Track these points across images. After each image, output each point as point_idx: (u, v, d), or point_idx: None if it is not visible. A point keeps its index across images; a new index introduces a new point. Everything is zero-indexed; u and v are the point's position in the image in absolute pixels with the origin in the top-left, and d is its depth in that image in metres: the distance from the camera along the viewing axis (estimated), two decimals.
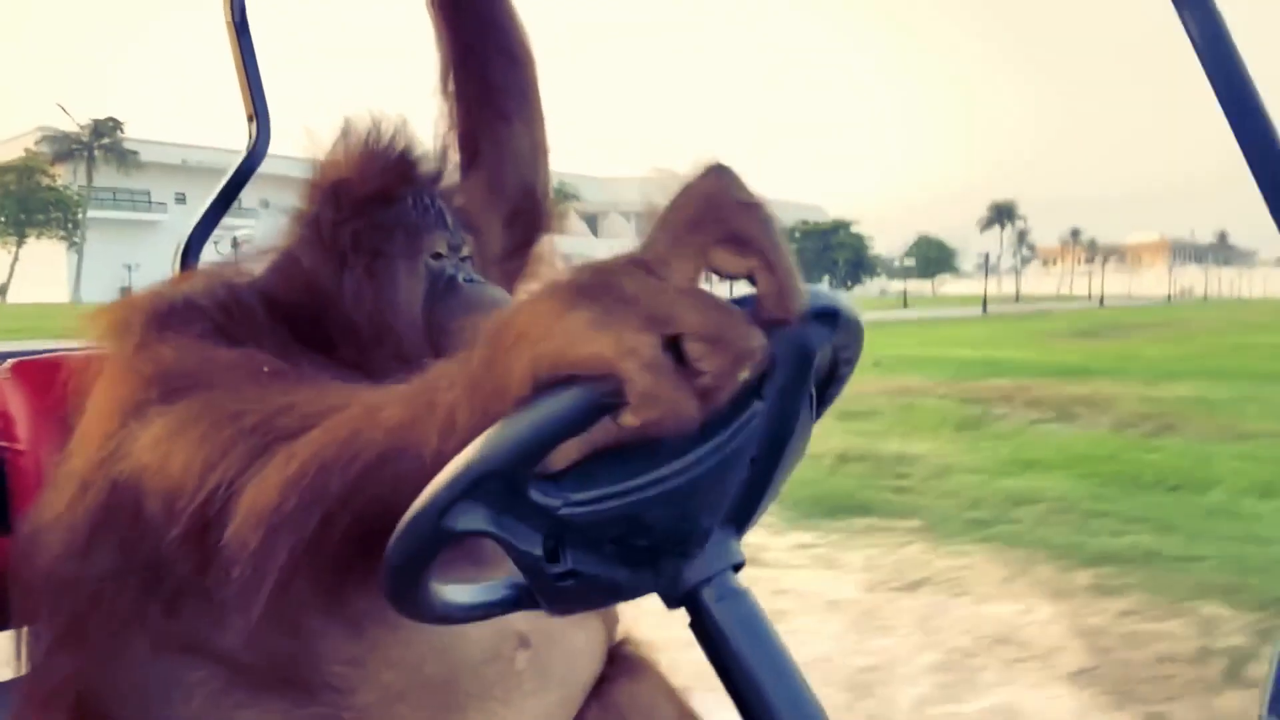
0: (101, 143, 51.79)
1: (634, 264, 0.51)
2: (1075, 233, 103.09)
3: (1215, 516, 5.25)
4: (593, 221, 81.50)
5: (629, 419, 0.49)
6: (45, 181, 49.29)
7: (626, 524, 0.55)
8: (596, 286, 0.51)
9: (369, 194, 1.02)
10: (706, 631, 0.59)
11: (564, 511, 0.53)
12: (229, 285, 0.99)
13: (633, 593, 0.59)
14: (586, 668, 1.05)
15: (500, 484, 0.52)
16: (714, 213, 0.52)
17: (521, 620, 0.95)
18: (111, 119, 51.99)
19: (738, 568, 0.60)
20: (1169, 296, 74.62)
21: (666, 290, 0.49)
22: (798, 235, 70.14)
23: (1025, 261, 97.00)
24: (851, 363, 0.61)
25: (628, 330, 0.48)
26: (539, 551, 0.55)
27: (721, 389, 0.49)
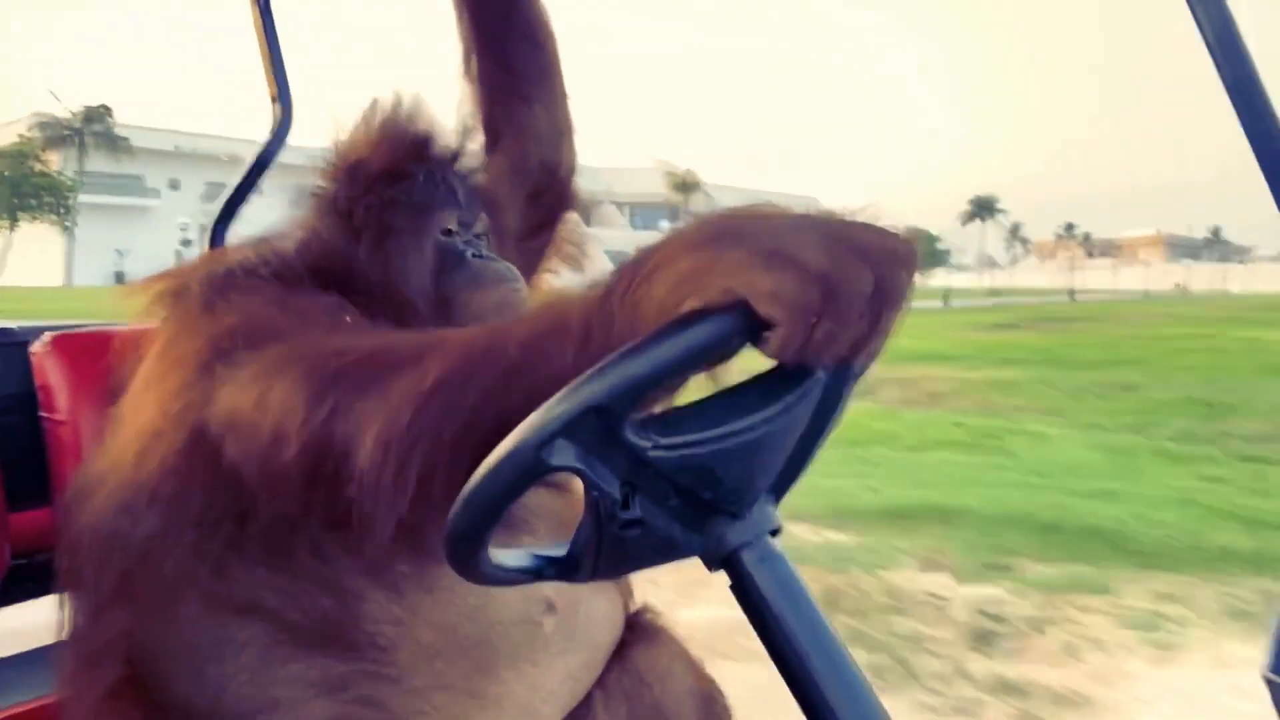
0: (93, 129, 51.53)
1: (783, 214, 0.56)
2: (1070, 227, 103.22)
3: (850, 461, 6.31)
4: (586, 211, 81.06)
5: (773, 347, 0.53)
6: (39, 167, 49.03)
7: (699, 474, 0.58)
8: (743, 227, 0.55)
9: (380, 171, 1.06)
10: (746, 593, 0.62)
11: (652, 454, 0.56)
12: (272, 256, 1.03)
13: (682, 551, 0.62)
14: (608, 633, 1.10)
15: (599, 421, 0.55)
16: (877, 253, 0.54)
17: (549, 586, 1.00)
18: (103, 106, 51.76)
19: (775, 533, 0.63)
20: (1146, 292, 74.98)
21: (814, 244, 0.53)
22: None
23: (1017, 257, 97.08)
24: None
25: (776, 267, 0.52)
26: (617, 495, 0.57)
27: (845, 339, 0.54)
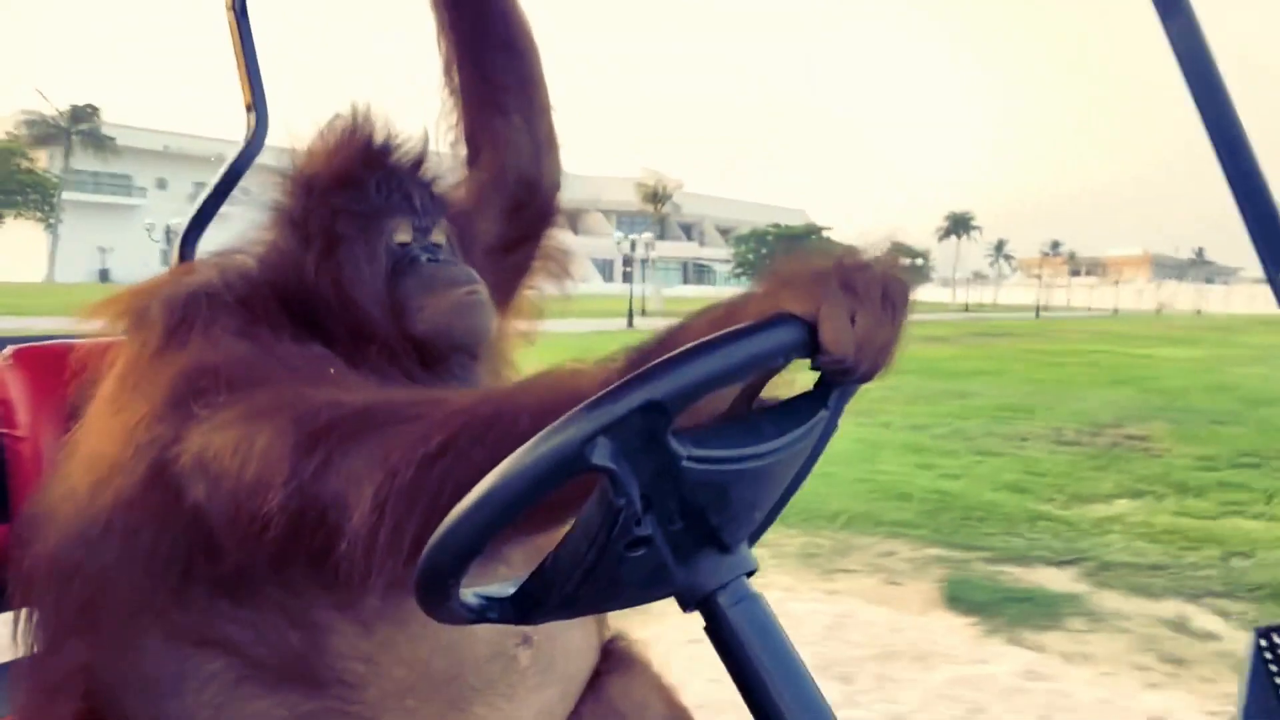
0: (79, 128, 51.36)
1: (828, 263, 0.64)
2: (1055, 245, 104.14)
3: None
4: (573, 219, 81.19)
5: (825, 351, 0.59)
6: (24, 164, 48.74)
7: (715, 494, 0.58)
8: (779, 271, 0.64)
9: (330, 180, 1.04)
10: (722, 634, 0.61)
11: (684, 464, 0.56)
12: (236, 273, 1.01)
13: (662, 588, 0.61)
14: (584, 663, 1.08)
15: (644, 421, 0.54)
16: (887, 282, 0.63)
17: None
18: (89, 105, 51.67)
19: (750, 574, 0.62)
20: (1115, 310, 76.08)
21: (858, 280, 0.61)
22: (770, 238, 70.59)
23: (1003, 273, 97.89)
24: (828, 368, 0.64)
25: (827, 293, 0.60)
26: (637, 505, 0.56)
27: (878, 338, 0.61)
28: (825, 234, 71.70)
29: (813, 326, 0.59)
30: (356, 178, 1.04)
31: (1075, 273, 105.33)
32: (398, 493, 0.70)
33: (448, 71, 1.32)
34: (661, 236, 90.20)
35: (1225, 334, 30.58)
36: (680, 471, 0.56)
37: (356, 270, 1.01)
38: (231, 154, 1.69)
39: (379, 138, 1.07)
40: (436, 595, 0.58)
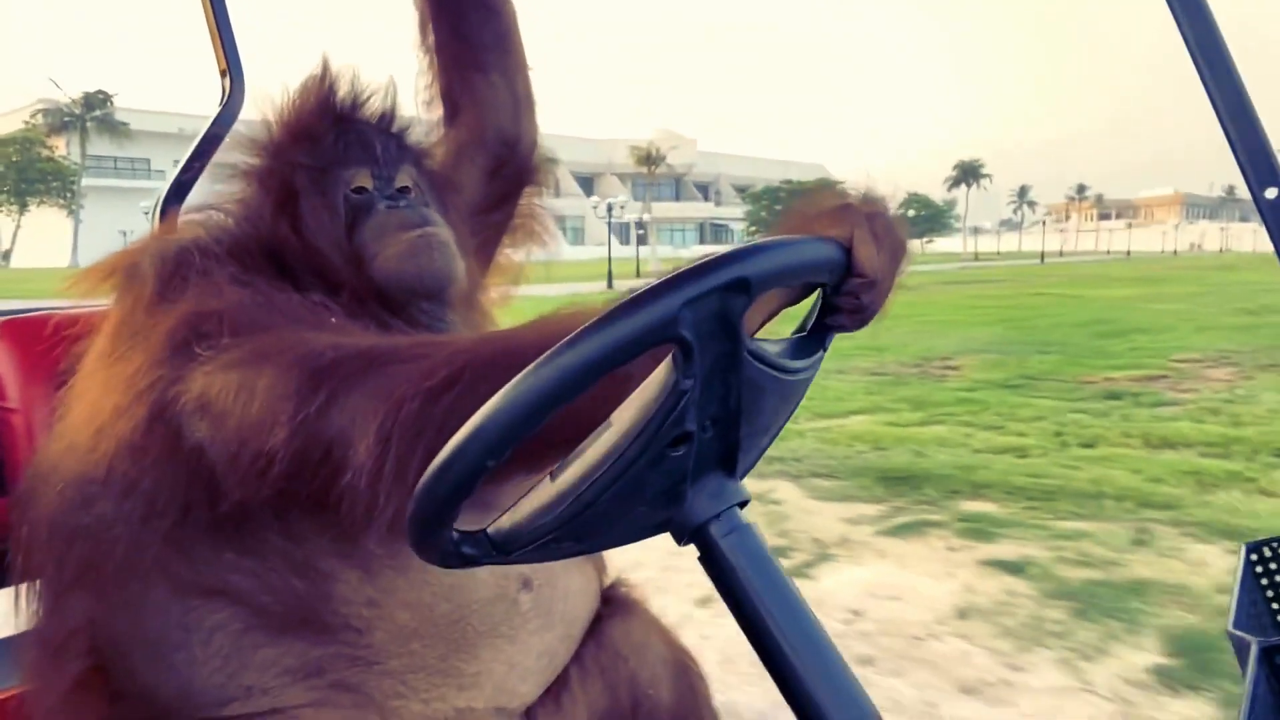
0: (93, 115, 51.78)
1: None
2: (1081, 189, 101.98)
3: None
4: (588, 182, 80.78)
5: (859, 271, 0.64)
6: (44, 153, 49.38)
7: (754, 400, 0.60)
8: (825, 201, 0.70)
9: (287, 136, 1.04)
10: (716, 564, 0.61)
11: (746, 356, 0.58)
12: (219, 231, 1.01)
13: (651, 528, 0.62)
14: (584, 607, 1.09)
15: (724, 302, 0.55)
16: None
17: None
18: (102, 92, 51.97)
19: (743, 504, 0.63)
20: (1129, 252, 74.68)
21: (876, 218, 0.67)
22: (783, 195, 69.78)
23: (1025, 220, 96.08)
24: (850, 295, 0.66)
25: (861, 226, 0.65)
26: (698, 393, 0.57)
27: (884, 299, 0.68)
28: (840, 187, 70.68)
29: (848, 250, 0.63)
30: (314, 132, 1.04)
31: (1105, 216, 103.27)
32: (402, 426, 0.70)
33: (423, 29, 1.30)
34: (677, 197, 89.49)
35: (1206, 272, 30.24)
36: (740, 364, 0.57)
37: (316, 222, 1.00)
38: (207, 122, 1.68)
39: (339, 91, 1.06)
40: (433, 526, 0.58)
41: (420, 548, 0.59)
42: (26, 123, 50.90)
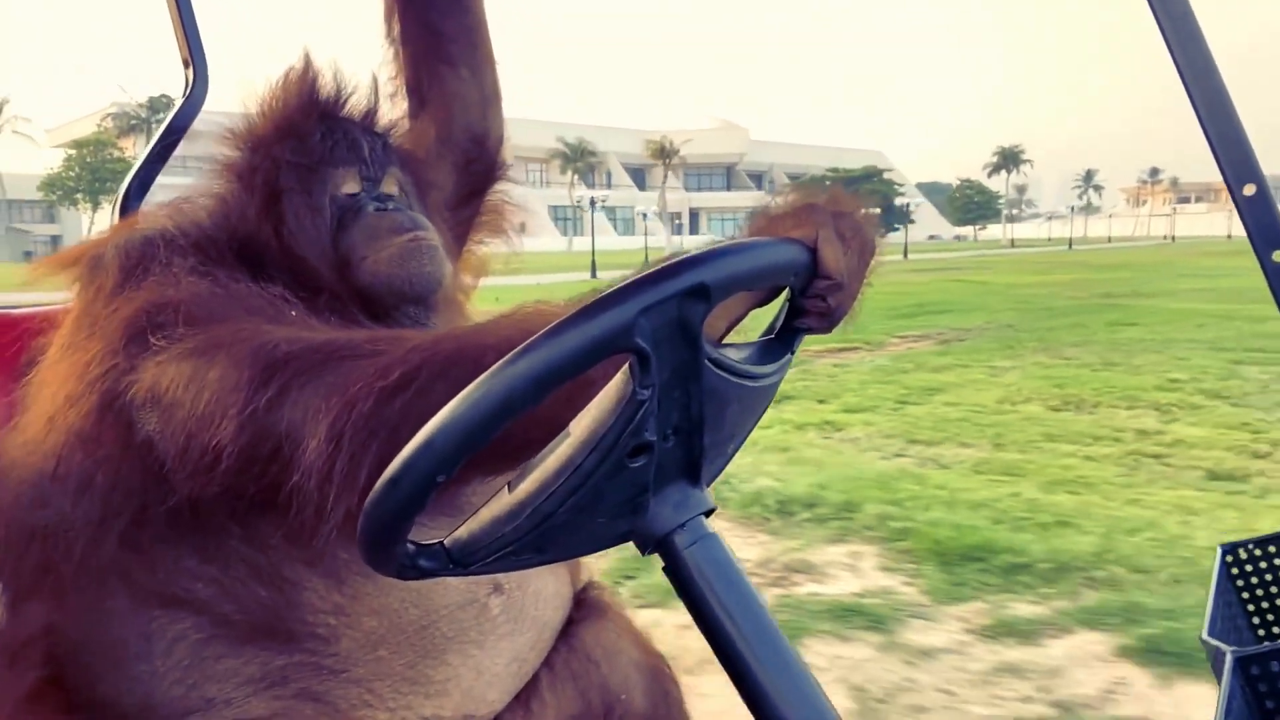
0: (157, 117, 54.36)
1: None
2: (1154, 172, 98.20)
3: None
4: (640, 174, 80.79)
5: (825, 273, 0.63)
6: (115, 154, 51.78)
7: (717, 408, 0.58)
8: (791, 202, 0.69)
9: (273, 132, 1.01)
10: (680, 574, 0.61)
11: (706, 363, 0.56)
12: (187, 223, 0.98)
13: (615, 538, 0.61)
14: (555, 611, 1.07)
15: (684, 308, 0.54)
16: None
17: None
18: (164, 95, 54.26)
19: (708, 513, 0.62)
20: (1172, 237, 71.92)
21: (844, 220, 0.67)
22: (828, 183, 68.75)
23: (1090, 204, 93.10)
24: (816, 297, 0.65)
25: (826, 227, 0.64)
26: (655, 403, 0.55)
27: (861, 270, 0.68)
28: (886, 175, 69.70)
29: (813, 252, 0.63)
30: (300, 129, 1.02)
31: (1185, 199, 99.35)
32: (355, 424, 0.68)
33: (389, 19, 1.28)
34: (728, 186, 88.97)
35: (1208, 259, 29.58)
36: (701, 372, 0.56)
37: (299, 222, 0.98)
38: (169, 113, 1.65)
39: (325, 88, 1.04)
40: (386, 540, 0.56)
41: (375, 561, 0.58)
42: (99, 126, 53.33)
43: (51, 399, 0.87)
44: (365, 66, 1.15)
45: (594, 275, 24.64)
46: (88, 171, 50.82)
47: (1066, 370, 7.44)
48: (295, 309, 0.88)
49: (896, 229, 71.92)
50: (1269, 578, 0.97)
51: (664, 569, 0.61)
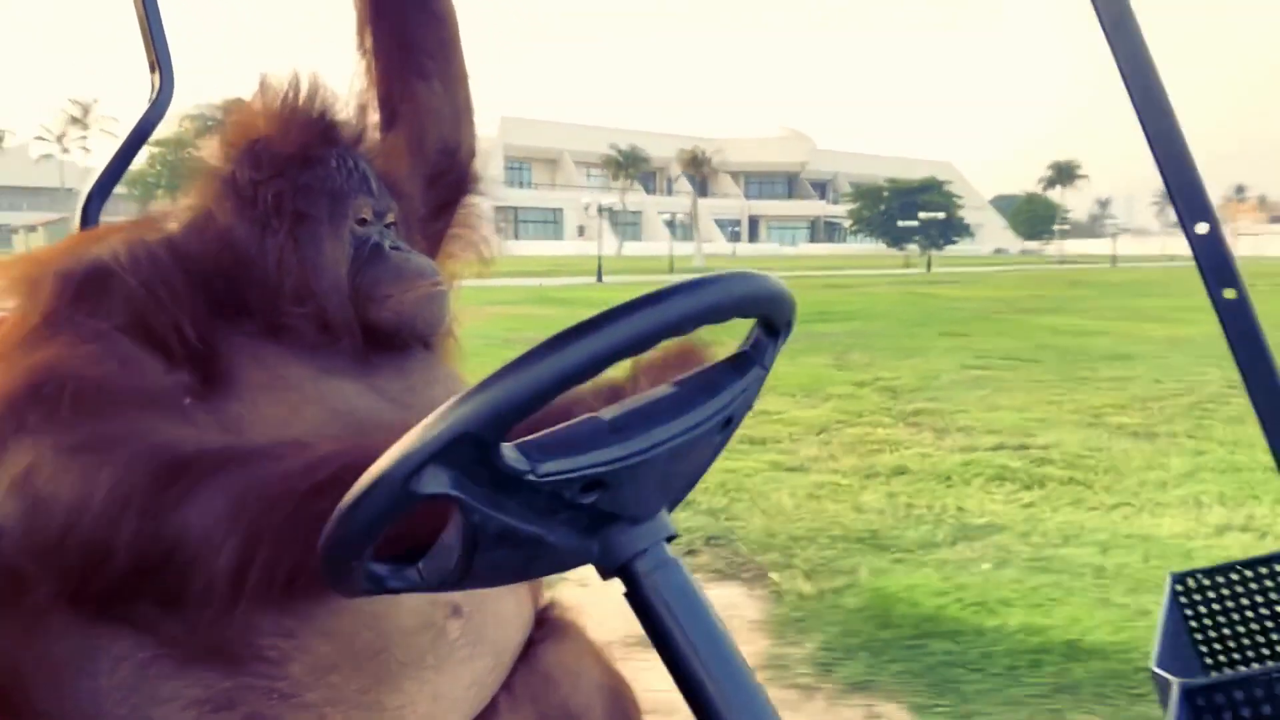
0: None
1: None
2: (1240, 190, 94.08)
3: None
4: (701, 182, 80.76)
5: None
6: (193, 153, 54.39)
7: (593, 489, 0.57)
8: None
9: (290, 154, 0.99)
10: (642, 601, 0.60)
11: (530, 479, 0.55)
12: (147, 247, 0.95)
13: (571, 563, 0.61)
14: (516, 633, 1.06)
15: (473, 445, 0.53)
16: None
17: None
18: (239, 99, 56.79)
19: (670, 539, 0.62)
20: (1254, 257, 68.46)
21: None
22: (885, 193, 67.73)
23: (1166, 223, 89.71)
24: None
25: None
26: (501, 517, 0.55)
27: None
28: (947, 187, 68.21)
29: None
30: (318, 153, 1.01)
31: (1277, 219, 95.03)
32: (277, 526, 0.69)
33: (361, 31, 1.27)
34: (789, 194, 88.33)
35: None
36: (539, 485, 0.55)
37: (318, 252, 0.98)
38: (134, 118, 1.62)
39: (330, 109, 1.04)
40: (339, 576, 0.58)
41: (334, 581, 0.59)
42: (180, 127, 55.92)
43: None
44: (336, 78, 1.13)
45: (599, 279, 26.41)
46: (168, 169, 53.12)
47: (812, 365, 8.39)
48: (191, 397, 0.87)
49: (954, 241, 70.42)
50: (1216, 607, 0.97)
51: (625, 595, 0.61)
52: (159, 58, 1.61)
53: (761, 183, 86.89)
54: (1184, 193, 0.87)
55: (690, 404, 0.60)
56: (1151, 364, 8.77)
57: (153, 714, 0.85)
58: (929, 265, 41.51)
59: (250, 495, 0.70)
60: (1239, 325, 0.84)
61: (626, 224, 70.79)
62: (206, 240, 0.97)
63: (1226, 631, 0.96)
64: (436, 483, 0.53)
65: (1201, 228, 0.86)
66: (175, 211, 1.01)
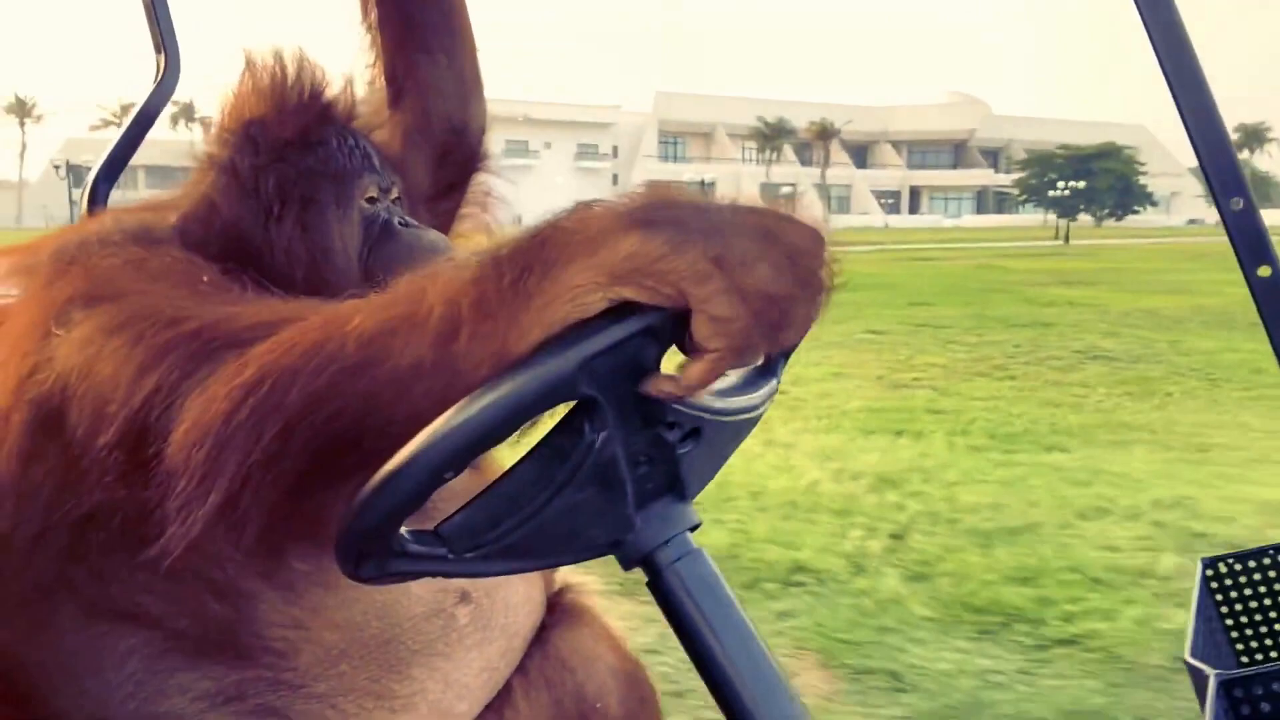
0: None
1: (719, 209, 0.54)
2: None
3: None
4: (861, 151, 77.80)
5: (701, 339, 0.51)
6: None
7: (691, 438, 0.56)
8: (685, 220, 0.53)
9: (289, 136, 0.97)
10: (664, 592, 0.59)
11: (675, 405, 0.54)
12: (144, 225, 0.95)
13: (596, 551, 0.60)
14: (528, 618, 1.05)
15: (636, 350, 0.52)
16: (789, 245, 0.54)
17: None
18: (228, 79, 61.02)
19: (694, 529, 0.61)
20: None
21: (759, 256, 0.52)
22: (1058, 161, 62.05)
23: None
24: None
25: (726, 281, 0.51)
26: (615, 444, 0.54)
27: (783, 341, 0.54)
28: (1131, 153, 61.78)
29: (677, 316, 0.52)
30: (319, 134, 0.98)
31: None
32: (213, 427, 0.64)
33: (365, 5, 1.25)
34: (955, 164, 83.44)
35: None
36: (665, 412, 0.54)
37: (327, 238, 0.95)
38: (140, 100, 1.60)
39: (323, 87, 1.01)
40: (361, 560, 0.57)
41: (352, 564, 0.57)
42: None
43: None
44: (339, 55, 1.12)
45: None
46: None
47: None
48: (209, 274, 0.85)
49: (1136, 211, 63.85)
50: (1248, 592, 0.93)
51: (648, 585, 0.60)
52: (164, 40, 1.57)
53: (925, 152, 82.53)
54: (1217, 167, 0.84)
55: (753, 384, 0.60)
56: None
57: (162, 707, 0.85)
58: (1067, 237, 38.35)
59: (207, 386, 0.67)
60: (1274, 303, 0.82)
61: (784, 198, 69.70)
62: (209, 229, 0.95)
63: (1259, 618, 0.93)
64: (588, 381, 0.51)
65: (1235, 203, 0.83)
66: (176, 200, 0.98)
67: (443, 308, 0.56)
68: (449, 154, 1.22)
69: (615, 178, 63.69)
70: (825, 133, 61.08)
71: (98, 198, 1.55)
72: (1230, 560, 0.94)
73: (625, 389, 0.52)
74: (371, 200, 1.00)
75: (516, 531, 0.56)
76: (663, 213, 0.53)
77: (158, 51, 1.58)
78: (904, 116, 77.96)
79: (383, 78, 1.24)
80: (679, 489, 0.58)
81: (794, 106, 68.96)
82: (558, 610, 1.11)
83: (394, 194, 1.03)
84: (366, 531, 0.55)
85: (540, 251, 0.55)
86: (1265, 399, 6.23)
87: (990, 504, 3.94)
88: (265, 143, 0.97)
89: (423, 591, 0.92)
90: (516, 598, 1.02)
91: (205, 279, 0.84)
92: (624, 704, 1.10)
